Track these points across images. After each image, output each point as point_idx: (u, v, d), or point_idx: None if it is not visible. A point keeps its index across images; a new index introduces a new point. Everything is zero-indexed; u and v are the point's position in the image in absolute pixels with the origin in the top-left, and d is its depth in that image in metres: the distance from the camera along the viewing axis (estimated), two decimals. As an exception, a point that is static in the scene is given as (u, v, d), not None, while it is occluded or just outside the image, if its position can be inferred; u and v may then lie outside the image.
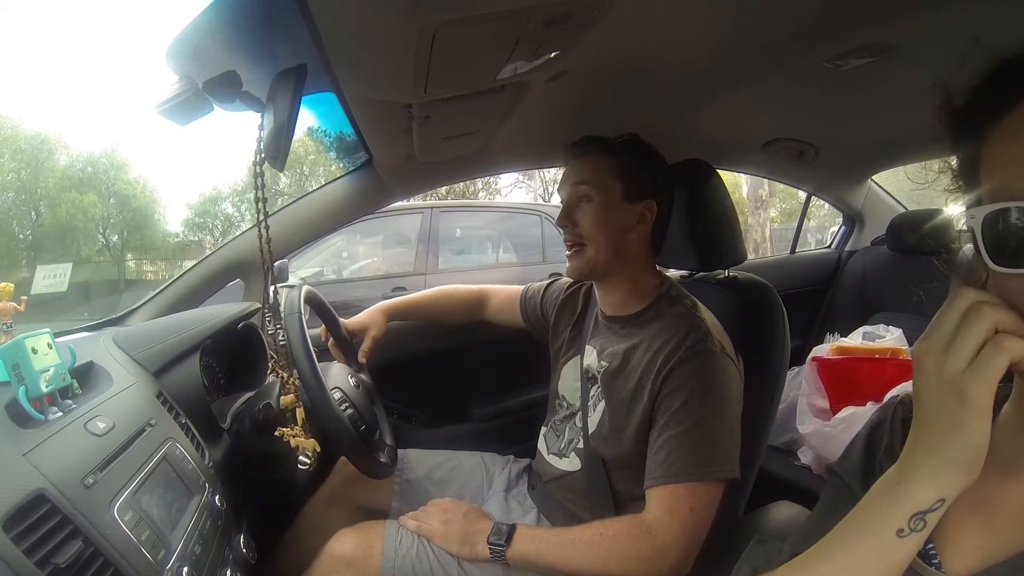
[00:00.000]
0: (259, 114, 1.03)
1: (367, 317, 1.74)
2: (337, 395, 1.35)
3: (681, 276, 1.70)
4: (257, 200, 1.09)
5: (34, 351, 0.89)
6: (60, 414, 0.90)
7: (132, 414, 1.03)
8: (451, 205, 6.34)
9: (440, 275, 5.11)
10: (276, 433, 1.25)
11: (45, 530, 0.70)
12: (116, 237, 19.62)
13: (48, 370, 0.90)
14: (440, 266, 5.39)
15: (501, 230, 6.19)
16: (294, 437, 1.23)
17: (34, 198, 18.58)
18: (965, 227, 0.58)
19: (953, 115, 0.59)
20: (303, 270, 5.25)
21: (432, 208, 5.57)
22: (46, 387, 0.89)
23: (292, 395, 1.26)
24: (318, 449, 1.24)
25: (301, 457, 1.23)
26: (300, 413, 1.25)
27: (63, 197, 18.24)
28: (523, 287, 1.79)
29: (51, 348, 0.92)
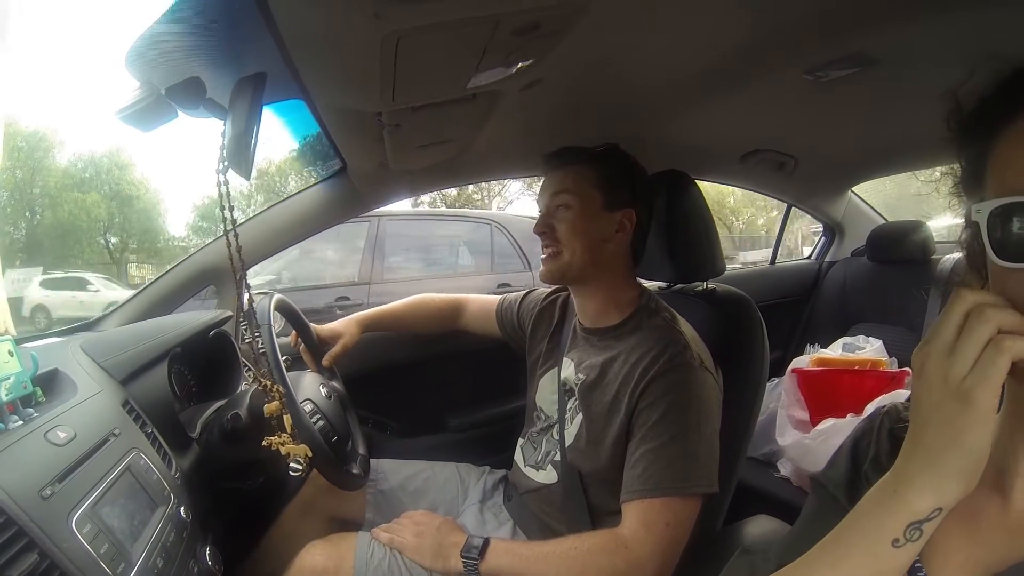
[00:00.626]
0: (222, 121, 1.02)
1: (341, 325, 1.73)
2: (308, 407, 1.33)
3: (659, 288, 1.69)
4: (223, 208, 1.08)
5: (-7, 359, 0.87)
6: (20, 423, 0.88)
7: (96, 423, 1.01)
8: (399, 214, 6.16)
9: (385, 285, 5.03)
10: (264, 443, 1.23)
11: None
12: (116, 239, 19.46)
13: (8, 378, 0.89)
14: (386, 276, 5.27)
15: (454, 240, 6.02)
16: (283, 445, 1.22)
17: (30, 197, 18.36)
18: (969, 222, 0.58)
19: (961, 121, 0.60)
20: (258, 278, 5.12)
21: (380, 217, 5.42)
22: (6, 395, 0.88)
23: (277, 402, 1.24)
24: (309, 454, 1.22)
25: (292, 464, 1.21)
26: (287, 420, 1.23)
27: (64, 196, 18.07)
28: (499, 297, 1.78)
29: (12, 356, 0.91)
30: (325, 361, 1.65)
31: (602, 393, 1.31)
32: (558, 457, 1.39)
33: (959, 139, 0.60)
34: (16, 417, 0.89)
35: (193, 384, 1.55)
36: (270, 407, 1.24)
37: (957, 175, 0.62)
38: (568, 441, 1.37)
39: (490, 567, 1.24)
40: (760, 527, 1.33)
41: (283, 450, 1.21)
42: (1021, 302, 0.53)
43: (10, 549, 0.70)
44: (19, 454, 0.82)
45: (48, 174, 18.55)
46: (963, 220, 0.62)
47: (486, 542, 1.27)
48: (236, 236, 1.14)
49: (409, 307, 1.84)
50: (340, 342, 1.69)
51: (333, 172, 1.76)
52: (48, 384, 1.05)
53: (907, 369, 2.18)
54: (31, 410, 0.93)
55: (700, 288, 1.61)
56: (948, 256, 2.37)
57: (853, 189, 2.96)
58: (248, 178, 1.02)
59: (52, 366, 1.10)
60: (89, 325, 1.60)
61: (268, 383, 1.25)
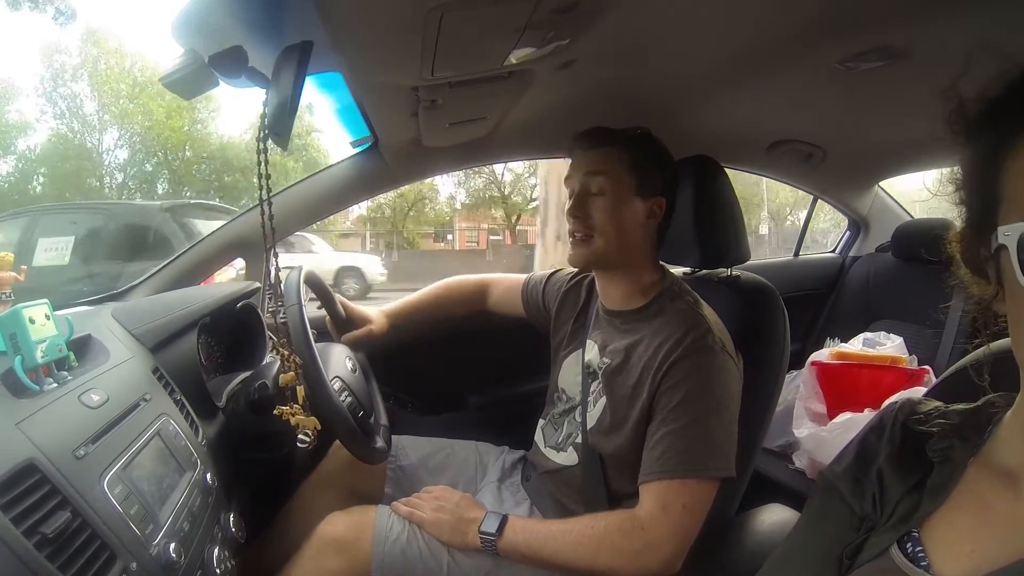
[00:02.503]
0: (264, 91, 1.02)
1: (372, 312, 1.74)
2: (337, 385, 1.34)
3: (683, 273, 1.69)
4: (260, 176, 1.08)
5: (31, 321, 0.88)
6: (55, 385, 0.90)
7: (127, 388, 1.02)
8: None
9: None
10: (275, 412, 1.24)
11: (34, 500, 0.70)
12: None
13: (44, 341, 0.90)
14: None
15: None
16: (293, 415, 1.23)
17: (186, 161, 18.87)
18: (998, 243, 0.55)
19: (968, 124, 0.58)
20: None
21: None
22: (42, 358, 0.88)
23: (292, 373, 1.25)
24: (319, 427, 1.24)
25: (301, 436, 1.23)
26: (300, 391, 1.24)
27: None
28: (525, 276, 1.77)
29: (48, 319, 0.92)
30: (346, 339, 1.66)
31: (626, 377, 1.32)
32: (579, 439, 1.40)
33: (965, 143, 0.59)
34: (51, 380, 0.90)
35: (220, 355, 1.57)
36: (285, 377, 1.25)
37: (958, 180, 0.61)
38: (590, 424, 1.37)
39: (507, 544, 1.25)
40: (773, 516, 1.34)
41: (293, 420, 1.22)
42: None
43: (44, 507, 0.71)
44: (54, 415, 0.84)
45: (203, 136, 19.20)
46: (963, 225, 0.61)
47: (504, 519, 1.28)
48: (271, 207, 1.14)
49: (437, 296, 1.84)
50: (367, 327, 1.70)
51: (365, 147, 1.76)
52: (81, 349, 1.07)
53: (927, 368, 2.17)
54: (65, 373, 0.94)
55: (724, 274, 1.60)
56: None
57: (880, 184, 2.93)
58: (285, 148, 1.02)
59: (85, 332, 1.11)
60: (119, 295, 1.62)
61: (286, 353, 1.26)
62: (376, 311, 1.76)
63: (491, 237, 25.09)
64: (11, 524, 0.64)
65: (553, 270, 1.72)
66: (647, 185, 1.36)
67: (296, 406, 1.24)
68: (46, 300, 0.94)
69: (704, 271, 1.65)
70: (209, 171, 19.79)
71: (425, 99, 1.19)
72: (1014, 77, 0.54)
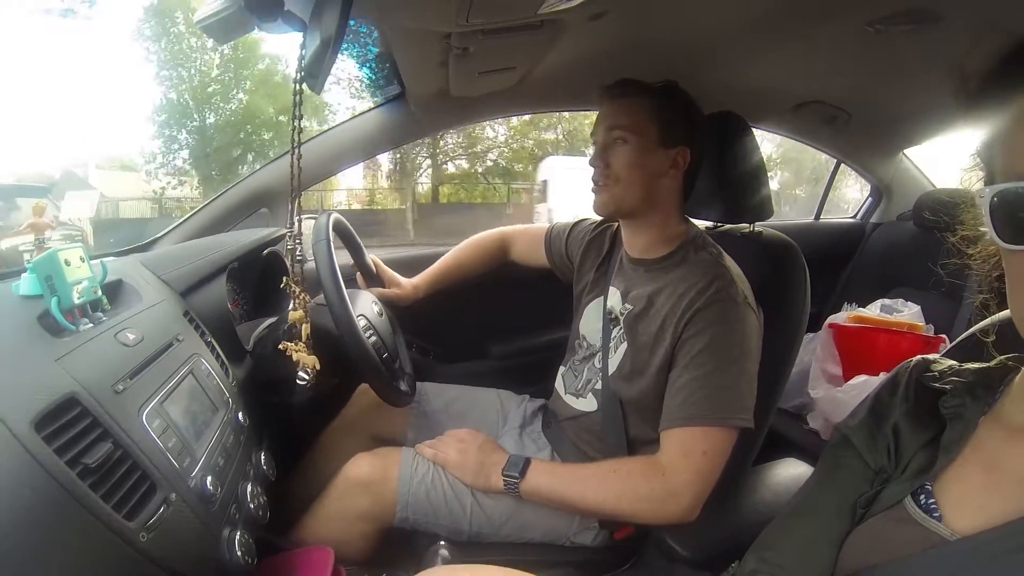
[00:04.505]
0: (301, 34, 1.01)
1: (404, 282, 1.78)
2: (362, 323, 1.36)
3: (706, 228, 1.68)
4: (294, 118, 1.08)
5: (67, 263, 0.89)
6: (91, 325, 0.91)
7: (160, 328, 1.05)
8: None
9: None
10: (280, 346, 1.26)
11: (76, 431, 0.72)
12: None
13: (80, 282, 0.91)
14: None
15: None
16: (297, 352, 1.25)
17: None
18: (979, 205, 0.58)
19: (969, 97, 0.60)
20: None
21: None
22: (78, 299, 0.90)
23: (300, 311, 1.27)
24: (318, 367, 1.25)
25: (301, 372, 1.25)
26: (306, 329, 1.26)
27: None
28: (547, 226, 1.78)
29: (83, 261, 0.93)
30: (374, 292, 1.67)
31: (648, 324, 1.33)
32: (599, 385, 1.42)
33: (968, 115, 0.60)
34: (87, 320, 0.92)
35: (245, 303, 1.59)
36: (294, 315, 1.27)
37: (976, 149, 0.63)
38: (611, 370, 1.39)
39: (530, 486, 1.27)
40: (789, 470, 1.37)
41: (295, 357, 1.24)
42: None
43: (86, 438, 0.72)
44: (92, 352, 0.85)
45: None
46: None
47: (527, 462, 1.30)
48: (299, 153, 1.14)
49: (461, 259, 1.86)
50: (395, 291, 1.73)
51: (392, 97, 1.77)
52: (113, 293, 1.08)
53: (943, 336, 2.16)
54: (100, 314, 0.96)
55: (747, 230, 1.60)
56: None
57: (905, 151, 2.88)
58: (319, 92, 1.01)
59: (117, 277, 1.13)
60: (146, 246, 1.64)
61: (297, 290, 1.28)
62: (407, 282, 1.78)
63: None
64: (55, 455, 0.66)
65: (576, 220, 1.72)
66: (671, 135, 1.35)
67: (300, 343, 1.26)
68: (80, 244, 0.95)
69: (727, 226, 1.65)
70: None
71: (457, 47, 1.19)
72: (1009, 50, 0.56)
